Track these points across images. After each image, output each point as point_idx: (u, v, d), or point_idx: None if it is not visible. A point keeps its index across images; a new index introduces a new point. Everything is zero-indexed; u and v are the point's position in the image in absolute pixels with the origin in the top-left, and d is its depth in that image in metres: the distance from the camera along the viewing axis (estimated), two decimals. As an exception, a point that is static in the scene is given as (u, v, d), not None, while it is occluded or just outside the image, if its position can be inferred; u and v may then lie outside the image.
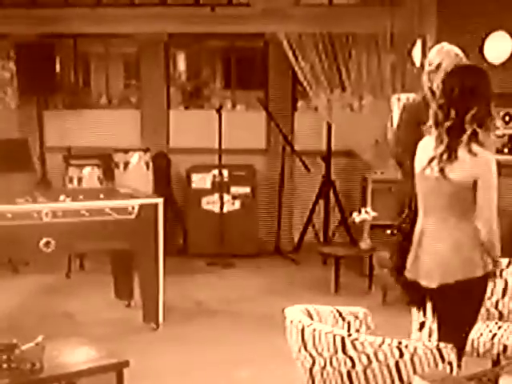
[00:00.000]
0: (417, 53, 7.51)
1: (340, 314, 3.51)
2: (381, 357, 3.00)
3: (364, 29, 7.53)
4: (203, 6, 8.06)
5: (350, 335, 3.06)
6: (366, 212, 6.79)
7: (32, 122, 8.08)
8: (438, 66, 4.43)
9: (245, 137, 8.36)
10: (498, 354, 3.97)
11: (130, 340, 5.21)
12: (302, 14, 7.63)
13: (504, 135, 7.11)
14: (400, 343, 3.00)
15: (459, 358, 3.30)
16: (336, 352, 3.04)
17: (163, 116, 8.51)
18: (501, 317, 4.31)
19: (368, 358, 3.01)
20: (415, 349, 2.99)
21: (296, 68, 7.77)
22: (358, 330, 3.49)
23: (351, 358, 3.03)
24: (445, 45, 4.57)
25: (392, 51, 7.54)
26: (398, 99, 7.29)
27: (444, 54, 4.48)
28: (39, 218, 5.07)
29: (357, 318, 3.55)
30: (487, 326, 4.15)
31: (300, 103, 8.76)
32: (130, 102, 9.19)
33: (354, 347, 3.01)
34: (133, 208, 5.33)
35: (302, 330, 3.15)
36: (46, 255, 5.13)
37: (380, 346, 3.00)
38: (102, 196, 5.57)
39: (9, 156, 7.40)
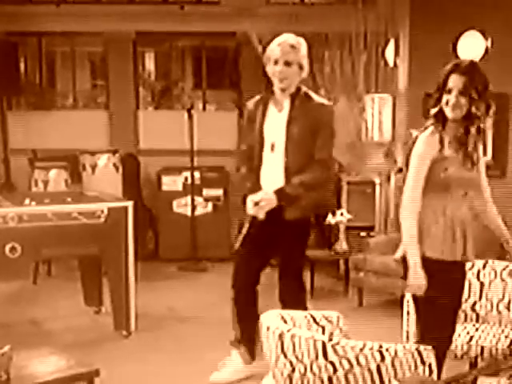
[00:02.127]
0: (390, 52, 7.46)
1: (314, 319, 3.48)
2: (362, 361, 2.98)
3: (336, 28, 7.48)
4: (172, 3, 7.98)
5: (330, 340, 3.00)
6: (341, 214, 6.72)
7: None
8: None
9: (216, 138, 8.25)
10: (476, 357, 4.02)
11: (101, 348, 5.12)
12: (274, 12, 7.56)
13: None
14: (381, 347, 3.01)
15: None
16: (317, 358, 3.02)
17: (132, 117, 8.40)
18: (478, 319, 4.36)
19: (349, 362, 2.99)
20: (396, 352, 2.99)
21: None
22: (331, 334, 3.44)
23: (332, 363, 2.99)
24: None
25: (365, 51, 7.47)
26: (372, 99, 7.25)
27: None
28: (4, 223, 4.94)
29: (330, 322, 3.55)
30: (464, 327, 4.19)
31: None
32: (97, 103, 9.07)
33: (335, 352, 2.99)
34: (101, 212, 5.24)
35: (281, 336, 3.06)
36: (11, 261, 5.00)
37: (361, 350, 3.00)
38: (69, 199, 5.49)
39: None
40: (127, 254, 5.34)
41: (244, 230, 4.35)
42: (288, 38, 4.29)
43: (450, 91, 3.49)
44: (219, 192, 8.00)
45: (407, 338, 4.00)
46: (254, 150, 4.35)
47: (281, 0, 7.78)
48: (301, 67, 4.28)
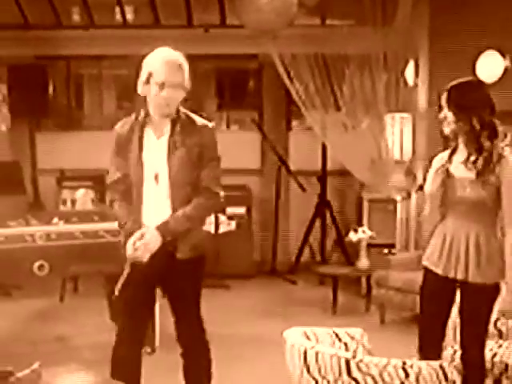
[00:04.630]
0: (409, 72, 7.52)
1: (337, 336, 3.48)
2: (386, 378, 3.00)
3: (357, 49, 7.51)
4: (196, 27, 8.05)
5: (354, 357, 3.02)
6: (363, 231, 6.77)
7: (24, 144, 8.04)
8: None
9: (239, 157, 8.31)
10: (500, 373, 3.96)
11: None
12: (295, 34, 7.61)
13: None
14: (405, 364, 2.99)
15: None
16: (340, 374, 3.03)
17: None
18: (501, 335, 4.32)
19: (373, 379, 3.01)
20: (420, 369, 3.01)
21: (290, 88, 7.74)
22: (355, 351, 3.47)
23: (356, 380, 3.03)
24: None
25: (385, 71, 7.53)
26: (392, 118, 7.31)
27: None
28: (32, 241, 5.01)
29: (353, 338, 3.54)
30: (487, 344, 4.07)
31: (294, 123, 8.75)
32: (123, 124, 9.11)
33: (359, 369, 2.99)
34: (128, 230, 5.26)
35: (305, 353, 3.11)
36: (39, 279, 5.06)
37: (385, 367, 2.98)
38: (96, 218, 5.52)
39: (0, 179, 7.34)
40: (153, 271, 5.39)
41: (124, 274, 3.63)
42: (175, 55, 3.70)
43: (442, 108, 3.63)
44: (242, 210, 8.05)
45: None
46: (128, 180, 3.74)
47: (302, 22, 7.84)
48: (184, 88, 3.68)
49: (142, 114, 3.72)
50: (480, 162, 3.50)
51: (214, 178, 3.74)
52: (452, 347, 3.91)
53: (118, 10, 8.23)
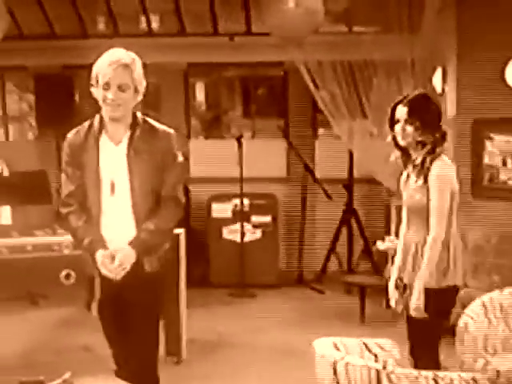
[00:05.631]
0: (437, 79, 7.46)
1: (366, 347, 3.45)
2: None
3: (383, 56, 7.47)
4: (222, 35, 8.05)
5: (384, 368, 2.98)
6: (391, 240, 6.69)
7: (50, 153, 8.05)
8: None
9: (265, 165, 8.31)
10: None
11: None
12: (321, 41, 7.58)
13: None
14: (436, 375, 2.94)
15: None
16: None
17: (184, 143, 8.47)
18: None
19: None
20: (451, 380, 2.97)
21: (316, 96, 7.71)
22: (385, 362, 3.43)
23: None
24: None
25: (412, 78, 7.47)
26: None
27: None
28: (59, 250, 5.02)
29: (383, 349, 3.50)
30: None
31: (321, 131, 8.71)
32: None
33: (390, 380, 2.98)
34: (154, 239, 5.24)
35: (334, 364, 3.07)
36: (66, 287, 5.07)
37: (416, 378, 2.97)
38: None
39: (27, 188, 7.37)
40: (179, 280, 5.37)
41: (98, 295, 3.56)
42: (120, 54, 3.53)
43: (398, 121, 3.79)
44: (268, 219, 8.03)
45: (461, 366, 3.94)
46: (85, 192, 3.52)
47: (328, 29, 7.82)
48: (136, 90, 3.50)
49: (97, 120, 3.56)
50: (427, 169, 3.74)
51: (177, 186, 3.58)
52: (484, 358, 3.85)
53: (143, 18, 8.26)
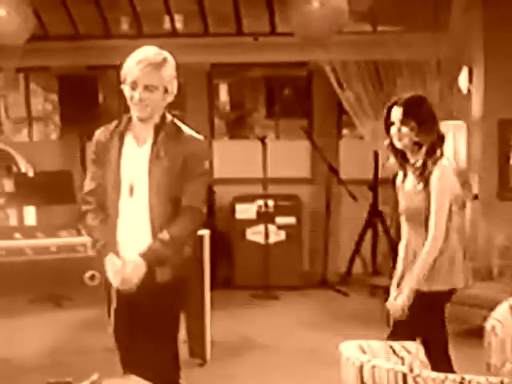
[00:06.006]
0: (463, 79, 7.38)
1: (392, 349, 3.40)
2: None
3: (408, 56, 7.42)
4: (246, 35, 8.03)
5: (411, 371, 2.93)
6: (416, 242, 6.62)
7: (75, 153, 8.08)
8: None
9: (289, 166, 8.28)
10: None
11: (177, 375, 5.10)
12: (346, 41, 7.54)
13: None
14: (463, 378, 2.88)
15: None
16: None
17: (208, 146, 8.45)
18: None
19: None
20: None
21: (341, 96, 7.67)
22: (411, 365, 3.38)
23: None
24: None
25: (438, 78, 7.41)
26: (446, 126, 7.16)
27: None
28: (84, 251, 5.01)
29: (410, 352, 3.45)
30: None
31: (345, 131, 8.67)
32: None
33: None
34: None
35: (361, 367, 3.02)
36: (90, 288, 5.07)
37: (443, 381, 2.89)
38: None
39: (52, 188, 7.40)
40: (203, 282, 5.35)
41: (113, 308, 3.42)
42: (150, 53, 3.38)
43: (393, 123, 3.74)
44: (292, 220, 7.99)
45: (489, 369, 3.89)
46: (105, 192, 3.42)
47: (353, 29, 7.78)
48: (166, 91, 3.38)
49: (125, 119, 3.46)
50: (428, 172, 3.68)
51: (199, 195, 3.41)
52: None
53: (167, 18, 8.25)
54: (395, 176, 3.98)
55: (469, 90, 7.37)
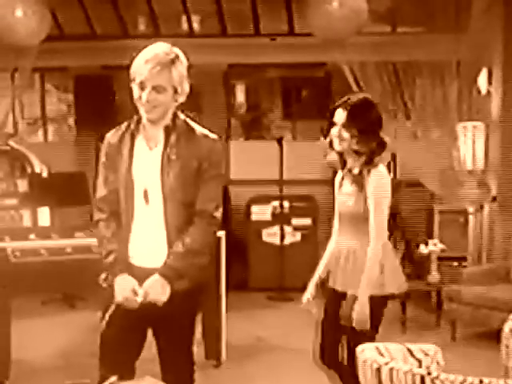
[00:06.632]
0: (482, 80, 7.33)
1: (410, 352, 3.36)
2: None
3: (428, 56, 7.36)
4: (264, 35, 8.00)
5: (429, 373, 2.89)
6: (434, 244, 6.58)
7: (90, 154, 8.07)
8: None
9: (305, 167, 8.24)
10: None
11: (192, 377, 5.09)
12: (364, 42, 7.49)
13: None
14: (481, 381, 2.84)
15: None
16: None
17: (223, 147, 8.44)
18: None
19: None
20: None
21: (359, 97, 7.61)
22: (429, 368, 3.34)
23: None
24: None
25: (457, 78, 7.35)
26: (465, 127, 7.10)
27: None
28: (99, 252, 4.98)
29: (427, 355, 3.41)
30: None
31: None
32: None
33: None
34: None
35: (378, 370, 2.98)
36: (103, 290, 5.04)
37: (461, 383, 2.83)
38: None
39: (66, 189, 7.40)
40: (219, 283, 5.33)
41: (111, 308, 3.18)
42: (159, 51, 3.17)
43: (335, 124, 3.69)
44: (308, 221, 7.96)
45: (507, 372, 3.85)
46: (118, 198, 3.23)
47: (371, 29, 7.73)
48: (176, 91, 3.18)
49: (134, 120, 3.25)
50: (365, 175, 3.65)
51: (213, 200, 3.21)
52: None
53: (184, 19, 8.24)
54: (336, 174, 3.94)
55: (488, 91, 7.32)
